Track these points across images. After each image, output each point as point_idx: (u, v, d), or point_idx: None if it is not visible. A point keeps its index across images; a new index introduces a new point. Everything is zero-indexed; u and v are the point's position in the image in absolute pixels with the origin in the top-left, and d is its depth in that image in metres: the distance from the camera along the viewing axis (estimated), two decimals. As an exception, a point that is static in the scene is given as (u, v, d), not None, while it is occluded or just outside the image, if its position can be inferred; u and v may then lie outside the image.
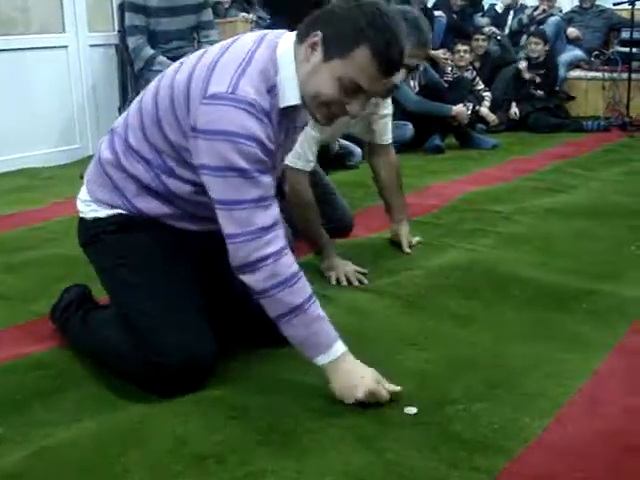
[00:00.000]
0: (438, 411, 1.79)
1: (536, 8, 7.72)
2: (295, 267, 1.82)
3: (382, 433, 1.70)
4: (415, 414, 1.78)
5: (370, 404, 1.79)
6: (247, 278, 1.81)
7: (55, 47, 5.29)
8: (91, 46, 5.46)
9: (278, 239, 1.81)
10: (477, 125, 6.26)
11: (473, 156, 5.41)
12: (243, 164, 1.74)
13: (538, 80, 6.67)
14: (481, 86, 6.47)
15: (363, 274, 2.74)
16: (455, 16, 7.46)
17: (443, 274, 2.76)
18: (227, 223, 1.80)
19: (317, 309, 1.84)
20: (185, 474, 1.57)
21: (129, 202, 1.99)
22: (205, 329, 1.95)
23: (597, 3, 7.55)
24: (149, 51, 4.87)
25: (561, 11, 7.86)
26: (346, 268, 2.75)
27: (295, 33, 1.84)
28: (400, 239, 3.08)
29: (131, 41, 4.91)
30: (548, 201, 3.92)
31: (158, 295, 1.94)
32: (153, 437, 1.70)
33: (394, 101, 4.60)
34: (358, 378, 1.81)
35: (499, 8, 7.97)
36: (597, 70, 7.18)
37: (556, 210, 3.71)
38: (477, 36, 6.94)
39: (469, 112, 5.84)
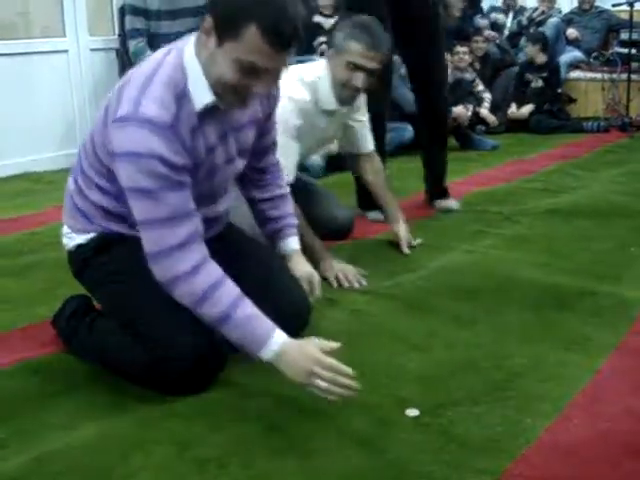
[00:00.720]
0: (440, 413, 1.79)
1: (535, 10, 7.74)
2: (212, 279, 1.82)
3: (384, 435, 1.70)
4: (417, 417, 1.78)
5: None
6: (173, 295, 1.84)
7: (56, 51, 5.29)
8: (92, 50, 5.45)
9: (190, 256, 1.81)
10: (477, 126, 6.27)
11: (473, 157, 5.42)
12: (146, 183, 1.75)
13: (541, 84, 6.67)
14: (481, 87, 6.48)
15: (363, 276, 2.75)
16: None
17: (444, 276, 2.76)
18: (144, 242, 1.83)
19: (245, 310, 1.81)
20: (188, 477, 1.56)
21: (101, 226, 2.03)
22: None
23: (596, 4, 7.57)
24: (149, 55, 4.87)
25: (560, 12, 7.87)
26: (345, 269, 2.75)
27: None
28: (399, 240, 3.09)
29: (132, 44, 4.91)
30: (549, 202, 3.92)
31: (161, 297, 1.91)
32: (155, 440, 1.70)
33: (393, 103, 4.62)
34: (302, 362, 1.76)
35: (500, 17, 7.96)
36: (596, 71, 7.18)
37: (557, 211, 3.72)
38: (476, 38, 6.95)
39: (469, 113, 5.84)
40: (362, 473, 1.57)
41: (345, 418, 1.77)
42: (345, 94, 2.76)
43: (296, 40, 1.74)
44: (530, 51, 6.75)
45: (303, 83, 2.78)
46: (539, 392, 1.90)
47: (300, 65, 2.93)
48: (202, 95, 1.81)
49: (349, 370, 1.74)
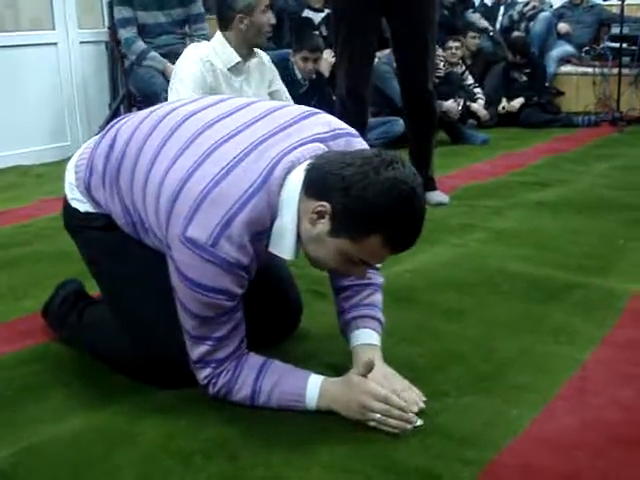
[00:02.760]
0: (426, 404, 1.79)
1: (526, 4, 7.74)
2: (229, 374, 1.77)
3: (370, 428, 1.70)
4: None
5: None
6: (208, 391, 1.81)
7: (45, 44, 5.28)
8: (81, 43, 5.45)
9: (233, 359, 1.77)
10: (468, 120, 6.27)
11: (464, 151, 5.43)
12: (207, 313, 1.69)
13: (524, 79, 6.69)
14: (471, 81, 6.49)
15: None
16: (446, 12, 7.46)
17: (432, 268, 2.77)
18: (189, 348, 1.77)
19: (271, 377, 1.77)
20: (174, 469, 1.56)
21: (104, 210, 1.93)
22: None
23: (587, -1, 7.58)
24: (141, 44, 4.87)
25: (551, 7, 7.87)
26: None
27: (303, 178, 1.64)
28: None
29: (122, 33, 4.91)
30: (538, 195, 3.94)
31: (153, 285, 1.90)
32: (143, 433, 1.70)
33: (385, 97, 4.62)
34: (351, 396, 1.71)
35: (489, 1, 7.98)
36: (587, 65, 7.20)
37: (546, 204, 3.73)
38: (471, 33, 6.95)
39: (460, 108, 5.85)
40: (347, 465, 1.56)
41: (332, 412, 1.77)
42: (263, 38, 3.28)
43: (413, 242, 1.65)
44: (510, 58, 6.80)
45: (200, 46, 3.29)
46: (526, 383, 1.90)
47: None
48: (284, 249, 1.69)
49: (403, 403, 1.70)
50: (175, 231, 1.64)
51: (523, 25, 7.63)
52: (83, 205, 1.97)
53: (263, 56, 3.42)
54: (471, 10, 7.93)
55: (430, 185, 3.85)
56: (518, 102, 6.58)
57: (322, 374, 1.79)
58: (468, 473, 1.53)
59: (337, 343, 2.06)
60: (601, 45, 7.30)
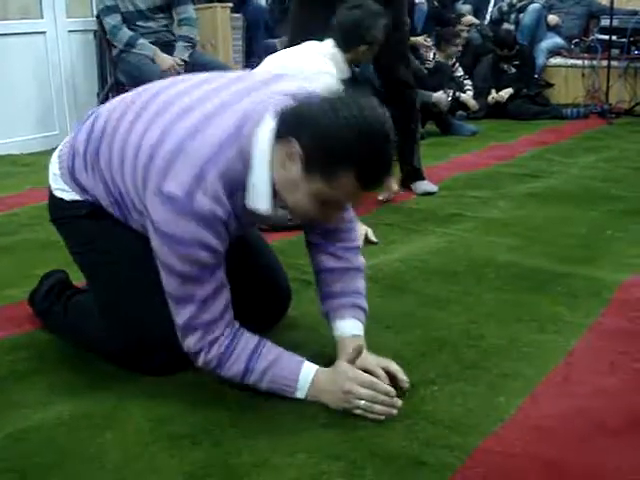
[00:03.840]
0: (413, 392, 1.80)
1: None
2: (231, 341, 1.75)
3: (357, 415, 1.70)
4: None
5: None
6: (196, 362, 1.79)
7: (33, 33, 5.25)
8: (69, 32, 5.42)
9: (221, 326, 1.74)
10: (457, 112, 6.28)
11: (453, 142, 5.44)
12: (186, 269, 1.66)
13: (513, 71, 6.70)
14: (460, 72, 6.49)
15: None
16: (436, 3, 7.46)
17: (421, 258, 2.77)
18: (175, 314, 1.75)
19: (267, 357, 1.76)
20: (160, 454, 1.57)
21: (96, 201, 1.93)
22: None
23: (577, -10, 7.59)
24: (127, 32, 4.84)
25: (541, -1, 7.88)
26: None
27: (273, 127, 1.65)
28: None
29: (107, 21, 4.88)
30: (526, 187, 3.94)
31: (135, 274, 1.90)
32: (129, 419, 1.71)
33: (375, 88, 4.63)
34: (337, 383, 1.73)
35: None
36: (577, 58, 7.21)
37: (534, 195, 3.74)
38: (459, 27, 6.94)
39: (449, 99, 5.85)
40: (333, 451, 1.57)
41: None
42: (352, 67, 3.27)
43: (384, 179, 1.68)
44: (498, 51, 6.81)
45: (326, 57, 3.14)
46: (512, 371, 1.91)
47: (303, 45, 3.24)
48: (260, 202, 1.69)
49: (389, 388, 1.71)
50: (151, 188, 1.66)
51: (513, 17, 7.63)
52: (68, 194, 1.97)
53: None
54: (461, 2, 7.94)
55: (417, 175, 3.86)
56: (507, 92, 6.58)
57: (314, 362, 1.79)
58: (454, 459, 1.53)
59: (326, 332, 2.07)
60: (590, 37, 7.32)
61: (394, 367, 1.83)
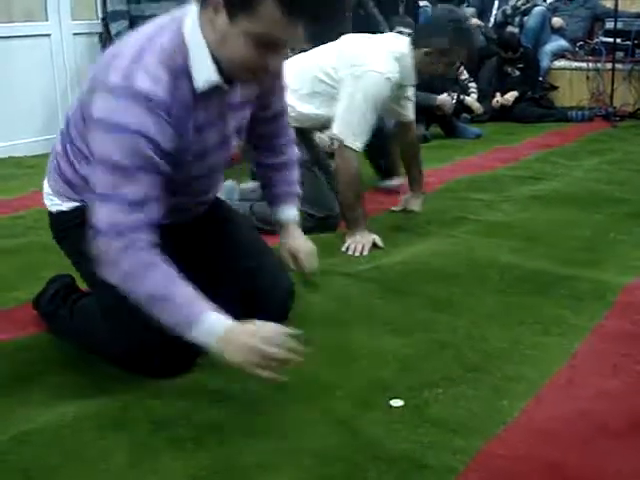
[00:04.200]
0: (416, 395, 1.80)
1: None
2: (149, 260, 1.72)
3: (360, 415, 1.71)
4: (401, 406, 1.76)
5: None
6: (109, 272, 1.77)
7: (38, 35, 5.25)
8: (74, 34, 5.42)
9: (140, 237, 1.71)
10: (462, 115, 6.28)
11: (457, 145, 5.43)
12: (123, 160, 1.65)
13: (517, 74, 6.70)
14: (465, 75, 6.48)
15: (379, 247, 2.94)
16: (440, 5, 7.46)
17: (424, 260, 2.77)
18: (96, 212, 1.72)
19: (186, 289, 1.71)
20: (164, 455, 1.57)
21: (85, 199, 1.93)
22: None
23: (582, -7, 7.58)
24: None
25: (545, 1, 7.88)
26: (364, 239, 2.91)
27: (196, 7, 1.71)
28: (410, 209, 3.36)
29: (114, 27, 4.89)
30: (530, 189, 3.94)
31: None
32: (134, 420, 1.71)
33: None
34: (243, 339, 1.67)
35: None
36: (581, 60, 7.20)
37: (538, 198, 3.74)
38: None
39: (453, 102, 5.85)
40: (337, 453, 1.57)
41: (323, 400, 1.78)
42: (420, 77, 3.06)
43: (312, 9, 1.62)
44: (502, 54, 6.80)
45: (393, 56, 2.95)
46: (515, 374, 1.91)
47: (379, 37, 3.19)
48: (206, 74, 1.72)
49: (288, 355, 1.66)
50: (96, 93, 1.69)
51: (517, 19, 7.63)
52: (59, 206, 2.03)
53: None
54: (465, 4, 7.93)
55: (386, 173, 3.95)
56: (512, 95, 6.58)
57: (317, 364, 1.80)
58: (457, 462, 1.54)
59: (331, 333, 2.08)
60: (595, 40, 7.31)
61: (302, 255, 2.18)
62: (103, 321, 1.95)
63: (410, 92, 3.25)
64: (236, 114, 1.92)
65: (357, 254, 2.85)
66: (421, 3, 7.08)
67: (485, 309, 2.32)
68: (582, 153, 5.08)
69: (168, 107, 1.67)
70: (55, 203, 2.05)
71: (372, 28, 6.34)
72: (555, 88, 7.22)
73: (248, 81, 1.83)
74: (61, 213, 2.04)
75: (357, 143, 2.90)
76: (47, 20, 5.30)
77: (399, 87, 3.02)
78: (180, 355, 1.90)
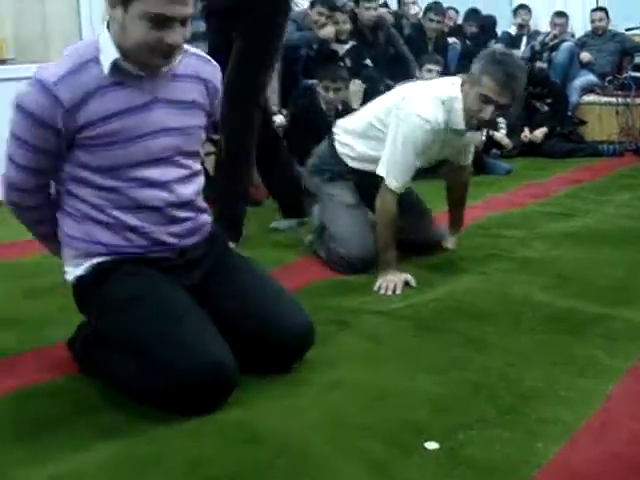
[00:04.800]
0: (451, 436, 1.80)
1: (547, 34, 7.77)
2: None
3: (393, 458, 1.71)
4: (436, 449, 1.76)
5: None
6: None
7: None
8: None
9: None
10: (491, 150, 6.28)
11: (488, 182, 5.42)
12: (15, 130, 1.98)
13: (546, 109, 6.70)
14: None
15: (410, 287, 2.95)
16: (469, 43, 7.51)
17: (457, 298, 2.77)
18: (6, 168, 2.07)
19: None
20: (200, 497, 1.58)
21: (85, 241, 2.09)
22: (221, 344, 1.97)
23: (610, 28, 7.59)
24: None
25: (573, 36, 7.91)
26: (395, 278, 2.92)
27: None
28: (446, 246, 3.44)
29: None
30: (562, 226, 3.93)
31: (165, 322, 1.96)
32: (169, 459, 1.72)
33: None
34: None
35: (512, 31, 8.02)
36: (610, 95, 7.19)
37: (570, 235, 3.72)
38: None
39: (483, 137, 5.86)
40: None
41: (357, 441, 1.78)
42: (473, 122, 2.95)
43: None
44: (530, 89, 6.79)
45: (439, 101, 2.95)
46: (550, 416, 1.90)
47: (433, 81, 3.26)
48: (109, 56, 1.95)
49: None
50: None
51: (545, 55, 7.65)
52: (80, 268, 2.12)
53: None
54: (494, 41, 7.98)
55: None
56: (541, 132, 6.57)
57: (350, 404, 1.80)
58: (493, 505, 1.53)
59: (364, 372, 2.09)
60: (624, 74, 7.30)
61: None
62: (136, 364, 1.98)
63: (472, 146, 3.39)
64: (169, 111, 2.08)
65: (389, 293, 2.87)
66: (450, 40, 7.13)
67: (519, 349, 2.32)
68: (613, 188, 5.06)
69: (56, 86, 1.90)
70: (72, 271, 2.15)
71: (401, 66, 6.43)
72: (584, 123, 7.20)
73: (158, 64, 1.99)
74: (79, 278, 2.13)
75: (396, 184, 2.95)
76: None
77: (453, 132, 3.02)
78: (213, 393, 1.92)
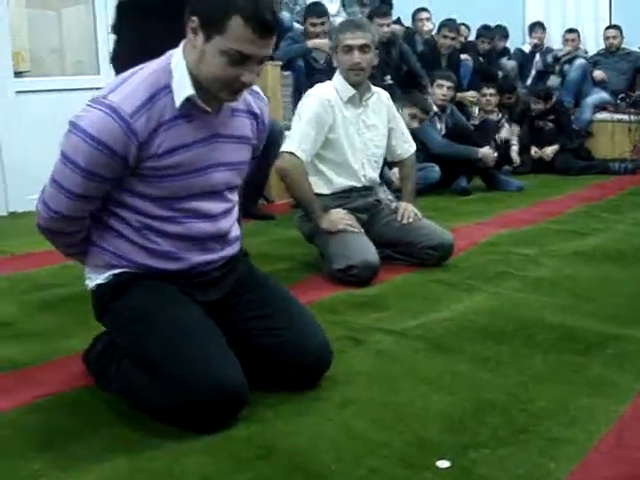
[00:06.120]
0: (463, 455, 1.81)
1: (561, 50, 7.80)
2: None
3: (406, 476, 1.72)
4: (448, 467, 1.77)
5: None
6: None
7: (89, 88, 5.38)
8: (124, 88, 5.55)
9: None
10: (503, 167, 6.30)
11: (499, 198, 5.45)
12: (74, 156, 1.91)
13: (551, 125, 6.71)
14: (507, 127, 6.52)
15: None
16: (481, 59, 7.54)
17: (469, 317, 2.78)
18: (47, 193, 2.04)
19: None
20: (215, 513, 1.60)
21: (114, 255, 2.10)
22: (232, 361, 1.98)
23: (623, 46, 7.61)
24: None
25: (586, 53, 7.93)
26: (336, 215, 3.35)
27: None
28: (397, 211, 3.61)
29: None
30: (574, 244, 3.94)
31: (180, 338, 1.98)
32: (183, 475, 1.73)
33: (421, 143, 4.74)
34: None
35: (526, 48, 8.03)
36: (623, 113, 7.21)
37: (582, 254, 3.74)
38: (508, 95, 6.96)
39: (495, 154, 5.89)
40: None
41: (369, 459, 1.79)
42: (353, 77, 3.42)
43: (276, 25, 1.90)
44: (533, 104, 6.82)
45: (323, 85, 3.52)
46: (563, 436, 1.91)
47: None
48: (184, 90, 1.94)
49: None
50: None
51: (558, 68, 7.69)
52: (101, 276, 2.14)
53: (382, 94, 3.63)
54: (506, 57, 8.01)
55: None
56: (552, 150, 6.59)
57: (362, 423, 1.80)
58: (505, 525, 1.54)
59: (376, 390, 2.10)
60: (636, 92, 7.32)
61: None
62: (148, 379, 2.00)
63: (395, 126, 3.69)
64: (226, 146, 2.09)
65: (342, 227, 3.29)
66: (462, 56, 7.16)
67: (531, 368, 2.32)
68: (625, 206, 5.07)
69: (129, 121, 1.87)
70: (93, 279, 2.16)
71: (414, 82, 6.47)
72: (590, 134, 7.21)
73: (227, 100, 2.00)
74: (99, 286, 2.14)
75: (289, 145, 3.38)
76: (99, 74, 5.44)
77: (353, 103, 3.50)
78: (222, 410, 1.93)
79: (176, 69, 1.95)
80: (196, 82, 1.94)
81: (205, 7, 1.87)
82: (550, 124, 6.74)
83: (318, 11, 6.14)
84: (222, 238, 2.18)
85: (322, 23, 6.08)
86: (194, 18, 1.88)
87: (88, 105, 1.89)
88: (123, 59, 3.21)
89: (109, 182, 1.97)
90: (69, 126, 1.91)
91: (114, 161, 1.90)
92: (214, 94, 1.96)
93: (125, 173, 1.96)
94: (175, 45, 2.00)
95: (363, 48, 3.41)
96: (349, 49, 3.41)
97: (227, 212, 2.18)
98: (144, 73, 1.94)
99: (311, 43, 6.04)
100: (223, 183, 2.13)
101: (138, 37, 3.12)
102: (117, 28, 3.26)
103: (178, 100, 1.94)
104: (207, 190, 2.09)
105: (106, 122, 1.85)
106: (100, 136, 1.85)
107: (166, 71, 1.95)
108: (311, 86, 3.63)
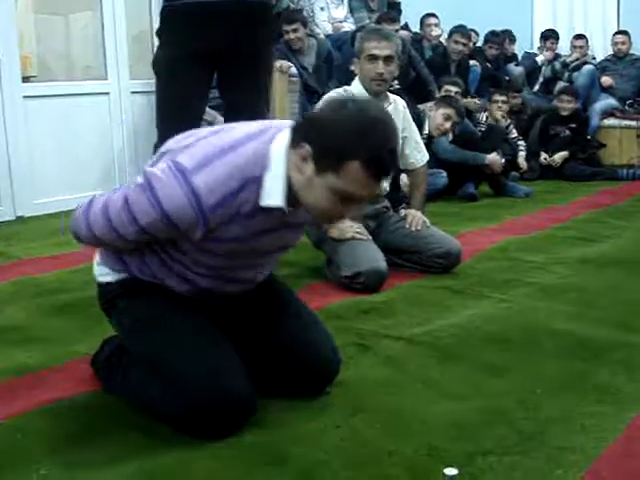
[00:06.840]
0: (471, 462, 1.81)
1: (569, 56, 7.79)
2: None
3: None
4: (456, 475, 1.77)
5: None
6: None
7: (97, 93, 5.42)
8: (132, 93, 5.57)
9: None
10: (511, 173, 6.29)
11: (507, 204, 5.44)
12: (140, 219, 1.80)
13: (567, 133, 6.69)
14: (514, 134, 6.51)
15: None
16: (489, 65, 7.53)
17: (478, 324, 2.78)
18: (105, 204, 1.90)
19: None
20: (223, 519, 1.60)
21: (133, 270, 2.07)
22: (239, 370, 1.98)
23: (631, 52, 7.60)
24: None
25: (594, 59, 7.92)
26: (345, 224, 3.27)
27: (289, 134, 1.82)
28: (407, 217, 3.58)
29: None
30: (582, 251, 3.93)
31: (189, 345, 1.98)
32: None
33: (429, 150, 4.73)
34: None
35: (540, 59, 7.99)
36: (631, 119, 7.20)
37: (590, 260, 3.73)
38: (513, 94, 6.96)
39: (503, 160, 5.88)
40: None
41: (377, 466, 1.79)
42: (374, 86, 3.40)
43: (394, 167, 1.80)
44: (566, 106, 6.75)
45: (340, 90, 3.46)
46: (570, 443, 1.90)
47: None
48: (274, 196, 1.81)
49: None
50: (164, 156, 1.84)
51: (566, 74, 7.68)
52: (105, 277, 2.13)
53: (399, 102, 3.59)
54: (514, 63, 8.00)
55: None
56: (560, 157, 6.57)
57: (370, 430, 1.81)
58: (513, 533, 1.54)
59: (384, 397, 2.10)
60: (645, 98, 7.32)
61: None
62: (159, 385, 2.00)
63: (408, 135, 3.62)
64: (289, 234, 2.03)
65: (352, 235, 3.29)
66: (471, 62, 7.15)
67: (539, 376, 2.32)
68: (633, 213, 5.06)
69: (211, 213, 1.77)
70: (103, 273, 2.15)
71: (421, 87, 6.47)
72: (603, 145, 7.21)
73: (319, 223, 1.94)
74: (107, 284, 2.14)
75: None
76: (107, 79, 5.46)
77: None
78: (230, 417, 1.93)
79: (274, 164, 1.81)
80: (289, 190, 1.82)
81: (323, 141, 1.74)
82: (567, 131, 6.71)
83: (290, 18, 6.11)
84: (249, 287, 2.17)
85: (294, 30, 6.07)
86: (307, 147, 1.75)
87: (169, 168, 1.75)
88: (160, 65, 3.25)
89: (161, 240, 1.92)
90: (144, 182, 1.77)
91: (175, 232, 1.83)
92: (312, 215, 1.91)
93: (181, 241, 1.91)
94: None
95: (387, 59, 3.38)
96: (374, 58, 3.38)
97: (264, 273, 2.17)
98: (239, 160, 1.78)
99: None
100: (274, 259, 2.15)
101: (177, 44, 3.15)
102: (159, 32, 3.26)
103: (265, 202, 1.82)
104: (257, 264, 2.08)
105: (184, 206, 1.74)
106: (171, 214, 1.75)
107: (262, 161, 1.80)
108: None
